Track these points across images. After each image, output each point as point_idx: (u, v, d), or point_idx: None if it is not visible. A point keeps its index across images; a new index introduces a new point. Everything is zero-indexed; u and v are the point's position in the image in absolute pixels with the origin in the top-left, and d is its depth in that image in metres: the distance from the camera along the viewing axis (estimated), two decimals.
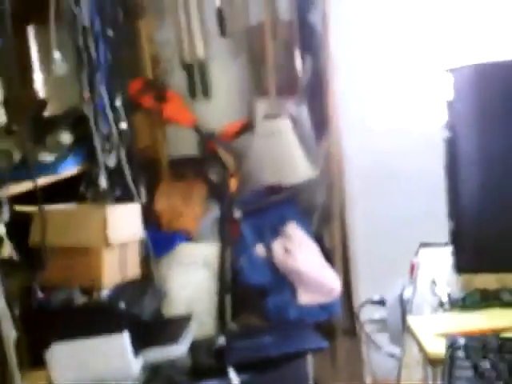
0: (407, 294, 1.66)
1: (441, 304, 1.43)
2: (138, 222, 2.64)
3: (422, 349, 1.18)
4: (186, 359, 2.55)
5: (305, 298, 2.89)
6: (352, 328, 3.21)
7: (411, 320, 1.32)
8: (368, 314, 1.80)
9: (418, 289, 1.59)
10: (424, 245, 1.92)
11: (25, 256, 2.22)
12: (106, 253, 2.39)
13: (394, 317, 1.61)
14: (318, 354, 2.87)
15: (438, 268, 1.70)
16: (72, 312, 2.40)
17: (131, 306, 2.45)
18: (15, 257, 2.10)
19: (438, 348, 1.15)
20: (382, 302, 1.74)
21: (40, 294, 2.28)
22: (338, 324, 3.16)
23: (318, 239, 3.08)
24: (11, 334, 2.05)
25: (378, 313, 1.75)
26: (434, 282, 1.56)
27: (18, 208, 2.22)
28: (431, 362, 1.13)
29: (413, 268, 1.77)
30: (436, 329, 1.24)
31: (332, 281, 2.94)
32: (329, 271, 2.96)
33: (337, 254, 3.13)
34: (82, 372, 2.32)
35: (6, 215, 2.06)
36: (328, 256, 3.04)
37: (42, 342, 2.29)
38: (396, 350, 1.77)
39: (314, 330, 2.69)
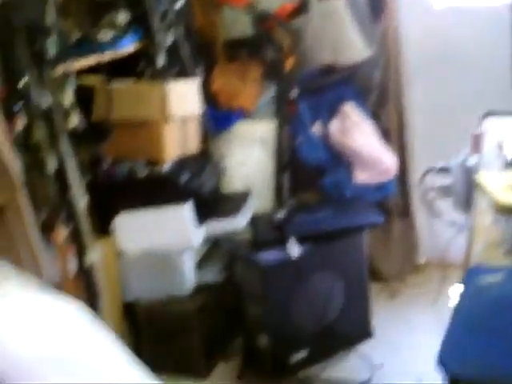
0: (471, 161, 1.67)
1: (507, 164, 1.45)
2: (196, 98, 2.67)
3: (492, 199, 1.21)
4: (246, 232, 2.64)
5: (361, 176, 2.92)
6: (406, 209, 3.25)
7: (481, 176, 1.34)
8: (430, 183, 1.82)
9: (483, 153, 1.60)
10: (488, 114, 1.90)
11: (90, 129, 2.29)
12: (167, 127, 2.43)
13: (459, 182, 1.63)
14: (372, 234, 2.93)
15: (503, 134, 1.70)
16: (136, 183, 2.48)
17: (192, 180, 2.51)
18: (82, 127, 2.16)
19: (508, 198, 1.18)
20: (445, 170, 1.76)
21: (107, 164, 2.35)
22: (393, 204, 3.20)
23: (375, 119, 3.07)
24: (82, 201, 2.15)
25: (440, 181, 1.78)
26: (499, 146, 1.57)
27: (84, 80, 2.26)
28: (502, 209, 1.16)
29: (476, 138, 1.77)
30: (505, 182, 1.27)
31: (388, 160, 2.95)
32: (385, 151, 2.97)
33: (393, 134, 3.13)
34: (146, 240, 2.43)
35: (72, 87, 2.11)
36: (384, 136, 3.05)
37: (108, 211, 2.39)
38: (457, 218, 1.81)
39: (370, 206, 2.74)
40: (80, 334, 0.41)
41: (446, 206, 1.83)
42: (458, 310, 0.86)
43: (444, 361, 0.79)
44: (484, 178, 1.33)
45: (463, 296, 0.89)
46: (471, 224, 1.14)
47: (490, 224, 1.12)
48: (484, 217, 1.16)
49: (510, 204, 1.15)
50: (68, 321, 0.40)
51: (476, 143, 1.74)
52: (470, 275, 0.94)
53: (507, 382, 0.74)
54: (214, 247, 2.77)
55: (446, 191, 1.71)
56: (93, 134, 2.36)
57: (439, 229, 1.97)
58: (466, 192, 1.60)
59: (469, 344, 0.81)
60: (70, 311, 0.40)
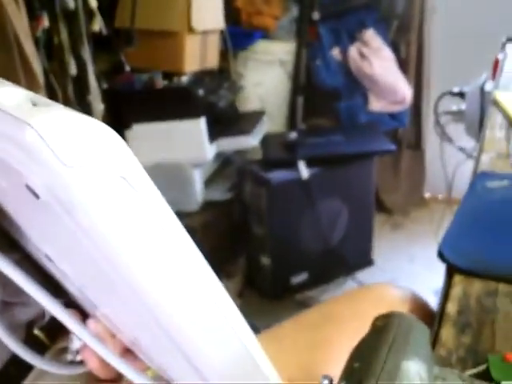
0: (488, 87, 1.67)
1: None
2: (219, 13, 2.65)
3: (507, 114, 1.24)
4: (257, 151, 2.66)
5: (375, 104, 2.93)
6: (417, 141, 3.27)
7: (498, 95, 1.36)
8: (445, 107, 1.83)
9: (502, 77, 1.60)
10: (510, 40, 1.89)
11: (113, 35, 2.29)
12: (189, 38, 2.42)
13: (474, 106, 1.64)
14: (380, 165, 2.95)
15: None
16: (153, 94, 2.48)
17: (208, 94, 2.51)
18: (105, 32, 2.16)
19: None
20: (461, 95, 1.77)
21: (128, 69, 2.35)
22: (404, 135, 3.22)
23: (395, 48, 3.05)
24: (99, 107, 2.17)
25: (455, 105, 1.78)
26: None
27: None
28: None
29: (496, 63, 1.76)
30: None
31: (404, 90, 2.95)
32: (402, 80, 2.97)
33: (411, 63, 3.11)
34: (159, 152, 2.45)
35: None
36: (402, 65, 3.03)
37: (123, 119, 2.41)
38: (468, 144, 1.83)
39: (382, 134, 2.74)
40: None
41: (458, 132, 1.84)
42: (461, 208, 0.89)
43: (443, 251, 0.83)
44: (500, 96, 1.35)
45: (468, 196, 0.92)
46: (482, 136, 1.16)
47: (500, 138, 1.15)
48: (495, 131, 1.19)
49: None
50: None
51: (496, 68, 1.73)
52: (477, 180, 0.97)
53: (500, 272, 0.78)
54: (224, 165, 2.80)
55: (460, 115, 1.72)
56: (115, 41, 2.36)
57: (449, 161, 1.98)
58: (480, 116, 1.62)
59: (469, 237, 0.85)
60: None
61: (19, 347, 0.59)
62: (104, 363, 0.52)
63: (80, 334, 0.54)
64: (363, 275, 2.81)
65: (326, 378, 0.55)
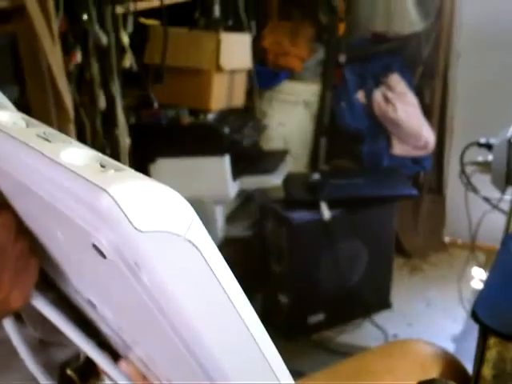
0: None
1: None
2: (247, 53, 2.69)
3: None
4: (280, 189, 2.67)
5: (399, 149, 2.94)
6: (439, 186, 3.27)
7: None
8: (471, 157, 1.83)
9: None
10: None
11: (142, 71, 2.33)
12: (217, 77, 2.46)
13: (501, 158, 1.64)
14: (400, 208, 2.95)
15: None
16: (179, 130, 2.50)
17: (233, 132, 2.54)
18: (135, 68, 2.20)
19: None
20: (487, 146, 1.77)
21: (156, 105, 2.38)
22: (425, 180, 3.22)
23: (419, 93, 3.07)
24: (126, 141, 2.20)
25: (482, 156, 1.79)
26: None
27: (142, 20, 2.28)
28: None
29: None
30: None
31: (427, 136, 2.96)
32: (425, 126, 2.98)
33: (435, 109, 3.12)
34: (182, 188, 2.46)
35: (130, 27, 2.14)
36: (426, 111, 3.05)
37: (148, 154, 2.44)
38: (493, 194, 1.82)
39: (405, 179, 2.75)
40: None
41: (483, 182, 1.84)
42: (494, 268, 0.89)
43: (478, 312, 0.83)
44: None
45: (501, 256, 0.92)
46: None
47: None
48: None
49: None
50: None
51: None
52: (509, 240, 0.97)
53: None
54: (245, 203, 2.81)
55: (486, 166, 1.72)
56: (144, 77, 2.40)
57: (471, 207, 1.98)
58: (507, 169, 1.62)
59: (503, 299, 0.85)
60: None
61: None
62: None
63: (112, 375, 0.55)
64: (380, 318, 2.79)
65: None
